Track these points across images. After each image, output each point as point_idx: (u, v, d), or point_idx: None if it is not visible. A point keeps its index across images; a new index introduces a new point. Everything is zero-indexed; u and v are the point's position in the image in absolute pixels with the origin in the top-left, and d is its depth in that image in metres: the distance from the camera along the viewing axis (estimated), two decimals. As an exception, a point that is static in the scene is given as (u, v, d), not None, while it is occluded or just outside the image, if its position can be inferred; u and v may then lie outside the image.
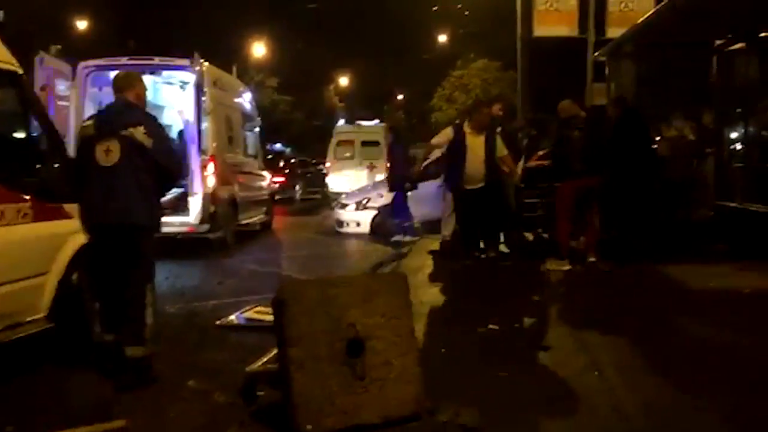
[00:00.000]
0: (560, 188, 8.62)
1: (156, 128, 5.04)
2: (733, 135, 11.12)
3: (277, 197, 24.49)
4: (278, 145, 42.10)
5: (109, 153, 4.81)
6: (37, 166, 5.40)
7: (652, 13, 10.71)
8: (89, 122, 5.19)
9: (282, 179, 24.45)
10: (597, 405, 4.24)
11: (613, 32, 14.12)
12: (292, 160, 28.12)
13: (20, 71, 5.32)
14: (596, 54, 13.90)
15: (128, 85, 5.18)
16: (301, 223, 15.73)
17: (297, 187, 25.99)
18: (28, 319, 4.93)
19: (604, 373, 4.79)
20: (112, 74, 11.23)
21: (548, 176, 9.43)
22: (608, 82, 12.94)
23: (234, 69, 20.08)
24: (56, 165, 5.51)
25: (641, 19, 11.18)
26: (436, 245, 10.21)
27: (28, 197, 4.93)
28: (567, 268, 8.42)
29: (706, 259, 8.73)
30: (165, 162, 5.01)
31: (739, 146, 10.95)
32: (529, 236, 10.34)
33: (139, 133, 4.84)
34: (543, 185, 9.72)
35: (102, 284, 5.05)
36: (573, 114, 8.73)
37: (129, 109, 5.05)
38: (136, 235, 4.89)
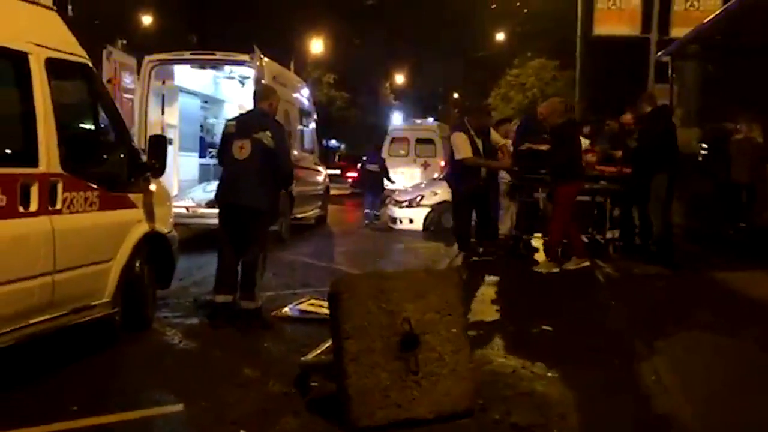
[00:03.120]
0: (566, 189, 8.38)
1: (280, 134, 6.19)
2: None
3: (350, 191, 25.65)
4: (333, 141, 42.49)
5: (242, 149, 6.03)
6: (105, 156, 5.58)
7: (719, 13, 10.45)
8: (232, 122, 6.40)
9: (355, 175, 26.00)
10: (654, 411, 4.18)
11: (678, 32, 13.82)
12: (364, 157, 29.39)
13: (90, 63, 5.48)
14: (659, 54, 13.61)
15: (264, 97, 6.43)
16: (360, 218, 15.98)
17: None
18: (93, 303, 5.10)
19: (661, 379, 4.71)
20: (175, 68, 11.78)
21: (543, 162, 9.03)
22: (671, 83, 12.65)
23: (291, 64, 20.32)
24: (122, 156, 5.68)
25: (707, 19, 10.92)
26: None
27: (95, 186, 5.08)
28: (556, 270, 8.29)
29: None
30: (282, 162, 6.22)
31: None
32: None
33: (266, 137, 6.00)
34: (543, 171, 9.19)
35: (225, 250, 6.20)
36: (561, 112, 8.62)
37: (262, 117, 6.26)
38: (255, 216, 6.06)
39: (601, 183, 9.55)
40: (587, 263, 8.36)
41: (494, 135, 9.26)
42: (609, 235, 9.85)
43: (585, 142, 10.05)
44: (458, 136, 8.90)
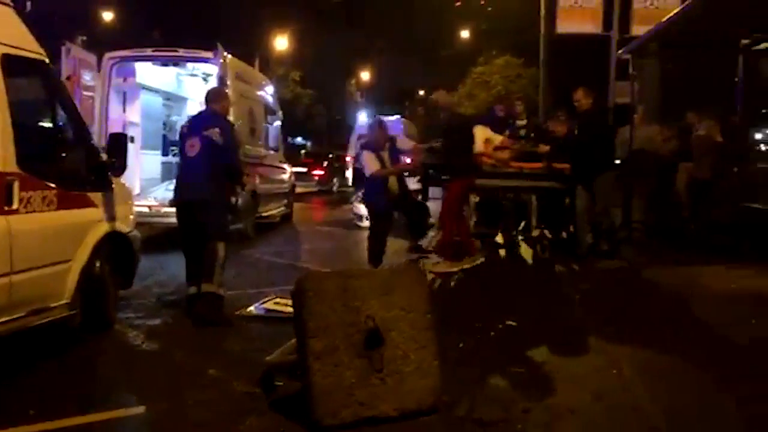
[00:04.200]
0: (455, 186, 8.34)
1: (228, 132, 6.49)
2: (759, 136, 10.97)
3: (316, 189, 25.86)
4: (299, 139, 42.33)
5: (192, 147, 6.35)
6: (63, 154, 5.47)
7: (678, 11, 10.59)
8: (186, 124, 6.82)
9: (322, 172, 26.27)
10: (616, 404, 4.23)
11: (638, 30, 13.98)
12: (330, 155, 29.54)
13: (47, 60, 5.38)
14: (620, 52, 13.77)
15: (216, 99, 6.78)
16: (326, 216, 15.96)
17: (335, 180, 27.98)
18: (52, 305, 5.00)
19: (622, 372, 4.77)
20: (137, 65, 11.60)
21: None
22: (632, 80, 12.81)
23: (257, 62, 20.13)
24: (81, 154, 5.58)
25: (666, 17, 11.07)
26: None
27: (53, 185, 4.99)
28: (457, 269, 8.11)
29: (728, 261, 8.64)
30: (230, 157, 6.52)
31: (764, 147, 10.80)
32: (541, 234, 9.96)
33: (214, 133, 6.30)
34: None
35: (187, 245, 6.48)
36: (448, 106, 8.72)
37: (212, 115, 6.60)
38: (207, 207, 6.32)
39: (522, 180, 9.23)
40: (456, 269, 8.13)
41: (400, 142, 9.15)
42: (535, 233, 9.65)
43: (497, 138, 9.60)
44: (364, 155, 8.77)
